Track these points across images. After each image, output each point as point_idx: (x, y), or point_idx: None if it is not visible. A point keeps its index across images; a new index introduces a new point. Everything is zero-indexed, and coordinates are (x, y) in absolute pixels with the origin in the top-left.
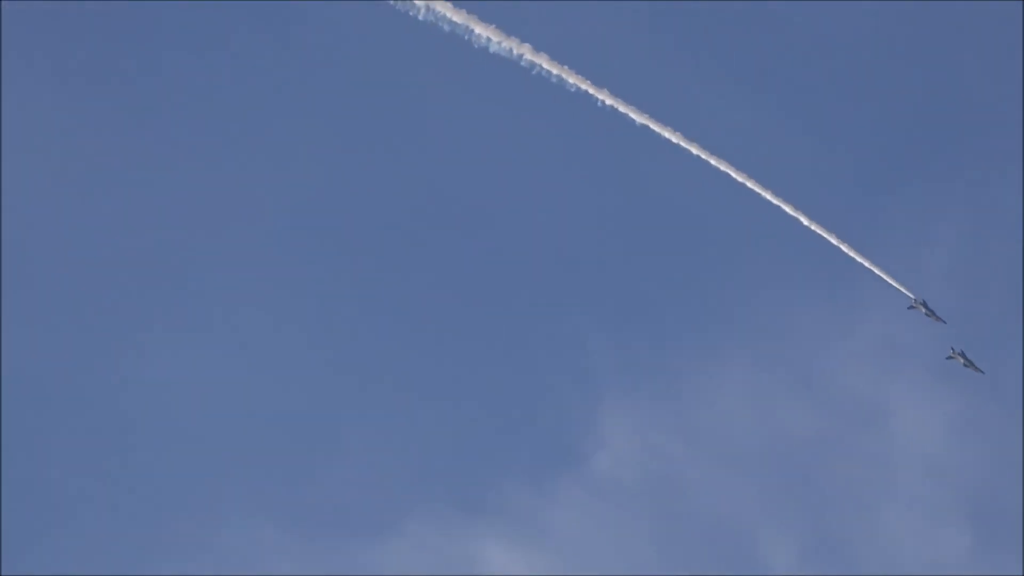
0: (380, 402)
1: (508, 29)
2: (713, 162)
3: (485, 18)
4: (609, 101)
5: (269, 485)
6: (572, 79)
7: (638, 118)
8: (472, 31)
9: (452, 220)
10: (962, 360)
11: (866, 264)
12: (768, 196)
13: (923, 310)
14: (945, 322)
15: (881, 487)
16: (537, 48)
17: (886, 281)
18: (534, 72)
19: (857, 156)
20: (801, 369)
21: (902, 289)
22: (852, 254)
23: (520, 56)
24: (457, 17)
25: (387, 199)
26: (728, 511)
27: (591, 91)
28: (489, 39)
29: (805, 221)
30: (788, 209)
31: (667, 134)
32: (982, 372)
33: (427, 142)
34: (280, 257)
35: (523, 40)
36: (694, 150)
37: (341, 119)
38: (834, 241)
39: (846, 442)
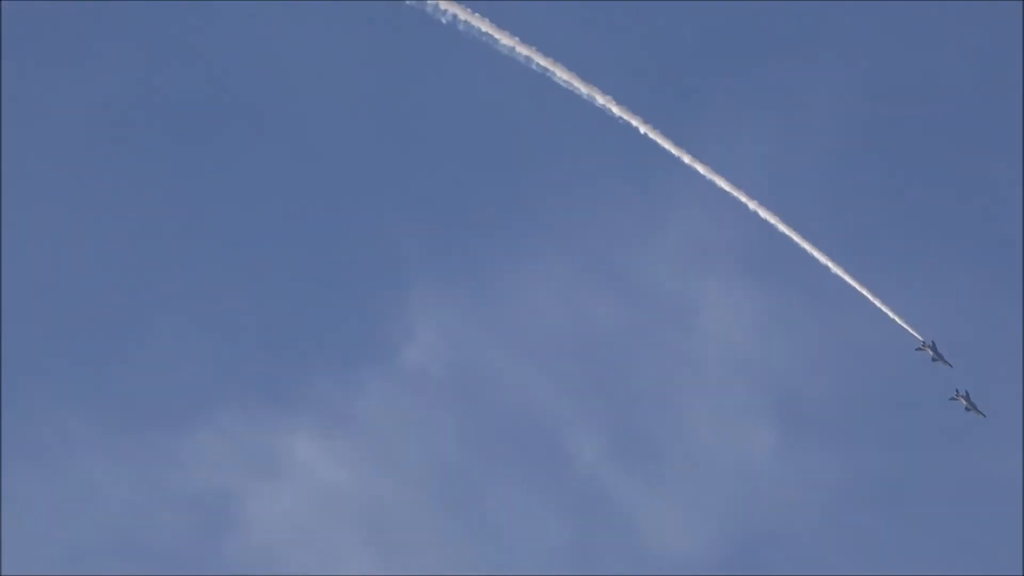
0: (188, 292)
1: None
2: (522, 51)
3: None
4: None
5: (74, 376)
6: None
7: (446, 7)
8: None
9: (264, 110)
10: (965, 403)
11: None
12: (578, 85)
13: (931, 353)
14: (952, 366)
15: (688, 382)
16: None
17: (895, 320)
18: None
19: (672, 46)
20: (610, 263)
21: (911, 330)
22: (670, 147)
23: None
24: None
25: (188, 93)
26: (536, 405)
27: None
28: None
29: (615, 110)
30: (599, 98)
31: (475, 22)
32: (984, 416)
33: (223, 40)
34: (83, 147)
35: None
36: (504, 40)
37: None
38: (643, 130)
39: (654, 337)
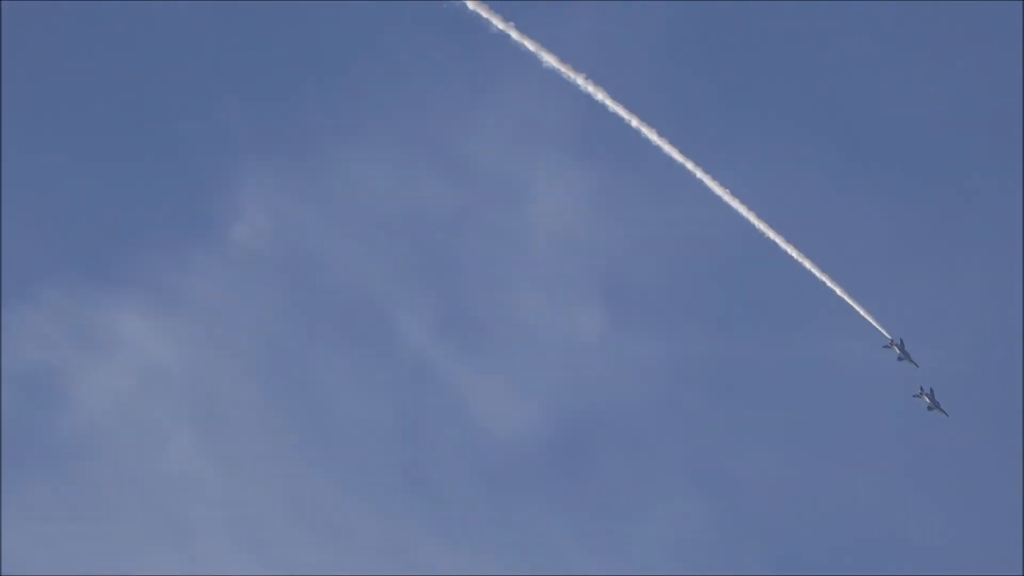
0: (12, 167)
1: None
2: None
3: None
4: None
5: None
6: None
7: None
8: None
9: None
10: (928, 401)
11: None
12: None
13: (898, 351)
14: (918, 366)
15: (517, 262)
16: None
17: (867, 320)
18: None
19: None
20: (439, 143)
21: (880, 329)
22: (498, 23)
23: None
24: None
25: None
26: (364, 284)
27: None
28: None
29: None
30: None
31: None
32: (946, 415)
33: None
34: None
35: None
36: None
37: None
38: (472, 6)
39: (484, 218)
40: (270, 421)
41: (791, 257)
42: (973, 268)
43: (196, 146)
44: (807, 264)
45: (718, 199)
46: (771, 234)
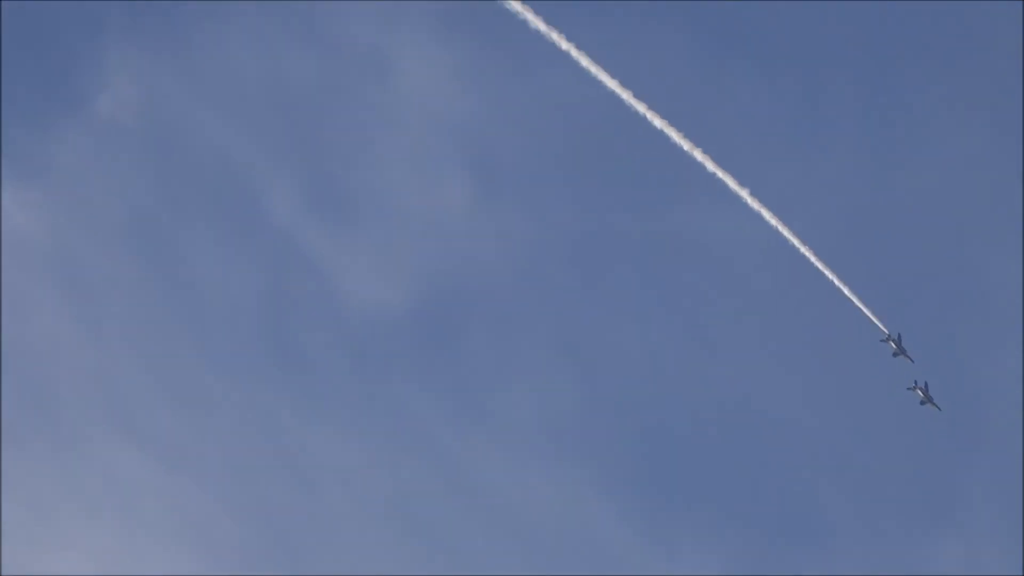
0: None
1: None
2: None
3: None
4: None
5: None
6: None
7: None
8: None
9: None
10: (922, 394)
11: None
12: None
13: (894, 346)
14: (913, 361)
15: (384, 136)
16: None
17: (864, 313)
18: None
19: None
20: (305, 17)
21: (877, 323)
22: None
23: None
24: None
25: None
26: (232, 158)
27: None
28: None
29: None
30: None
31: None
32: (939, 409)
33: None
34: None
35: None
36: None
37: None
38: None
39: (350, 91)
40: (136, 293)
41: (658, 129)
42: (839, 138)
43: (62, 17)
44: (674, 135)
45: (585, 71)
46: (638, 106)
